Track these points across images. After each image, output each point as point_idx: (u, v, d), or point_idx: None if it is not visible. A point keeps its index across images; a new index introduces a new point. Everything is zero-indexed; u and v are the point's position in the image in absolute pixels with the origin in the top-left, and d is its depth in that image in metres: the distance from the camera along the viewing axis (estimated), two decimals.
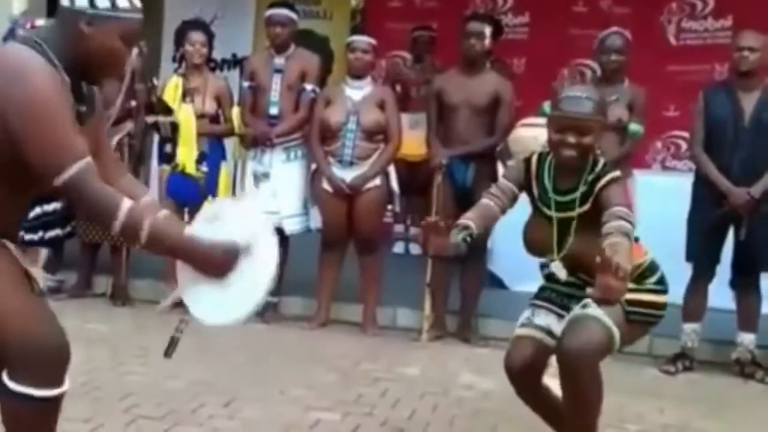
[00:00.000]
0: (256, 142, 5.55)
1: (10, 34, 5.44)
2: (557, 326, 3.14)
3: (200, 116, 5.61)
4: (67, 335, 2.42)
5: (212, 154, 5.66)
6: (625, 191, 3.10)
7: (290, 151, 5.59)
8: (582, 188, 3.01)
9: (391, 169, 5.53)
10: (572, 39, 7.45)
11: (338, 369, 4.61)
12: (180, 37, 5.79)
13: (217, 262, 2.38)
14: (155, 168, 6.06)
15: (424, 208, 5.80)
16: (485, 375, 4.66)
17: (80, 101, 2.39)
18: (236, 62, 8.20)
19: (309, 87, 5.56)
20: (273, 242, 2.44)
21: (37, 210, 5.52)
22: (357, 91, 5.44)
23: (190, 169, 5.59)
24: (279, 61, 5.59)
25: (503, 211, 3.18)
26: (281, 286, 5.69)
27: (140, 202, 2.38)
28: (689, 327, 5.01)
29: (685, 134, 5.92)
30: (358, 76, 5.46)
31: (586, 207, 3.01)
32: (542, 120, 4.99)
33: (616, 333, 2.99)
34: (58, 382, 2.39)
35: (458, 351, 5.21)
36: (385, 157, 5.41)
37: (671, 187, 5.76)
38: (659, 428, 4.00)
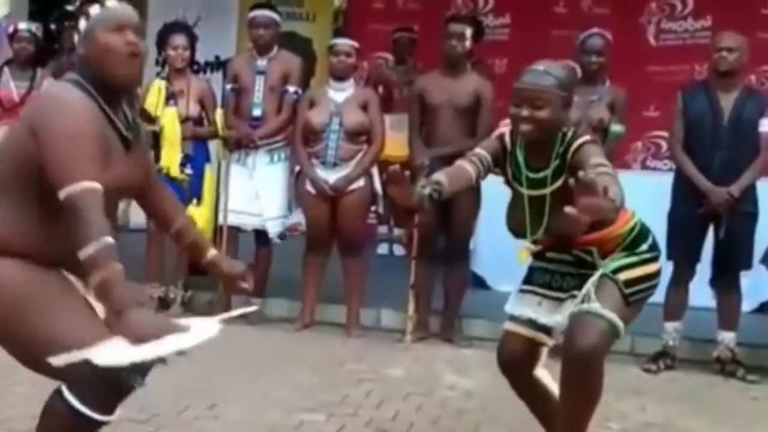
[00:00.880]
0: (239, 144, 5.56)
1: None
2: (546, 314, 3.12)
3: (184, 119, 5.61)
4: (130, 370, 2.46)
5: (196, 156, 5.67)
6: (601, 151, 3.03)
7: (274, 153, 5.60)
8: (553, 164, 2.97)
9: (375, 171, 5.55)
10: (553, 40, 7.48)
11: (322, 370, 4.62)
12: (162, 41, 5.78)
13: (140, 331, 2.36)
14: None
15: (406, 209, 5.81)
16: (469, 375, 4.69)
17: (127, 127, 2.49)
18: (219, 64, 8.20)
19: (292, 89, 5.58)
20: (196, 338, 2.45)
21: None
22: (340, 93, 5.45)
23: (174, 172, 5.58)
24: (261, 62, 5.60)
25: (477, 178, 3.10)
26: (265, 288, 5.72)
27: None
28: (670, 326, 5.05)
29: (666, 134, 5.96)
30: (340, 78, 5.48)
31: (559, 183, 2.96)
32: None
33: (619, 323, 2.97)
34: (109, 409, 2.51)
35: (442, 352, 5.23)
36: (368, 158, 5.43)
37: (652, 187, 5.78)
38: (641, 426, 4.03)
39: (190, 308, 5.79)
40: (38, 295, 2.40)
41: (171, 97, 5.63)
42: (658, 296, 5.09)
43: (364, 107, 5.44)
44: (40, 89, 5.74)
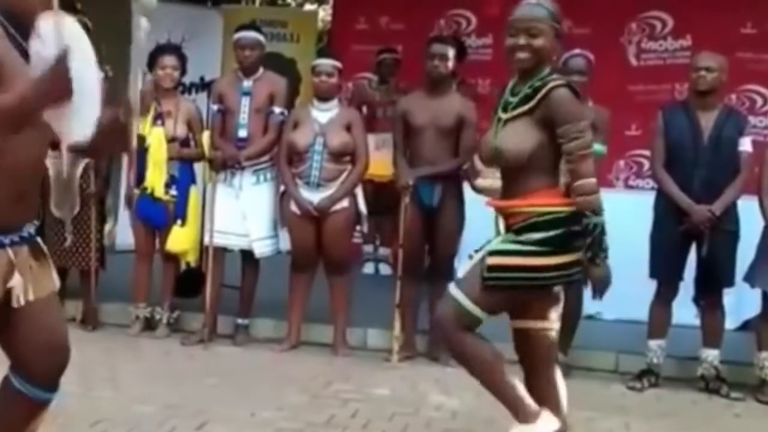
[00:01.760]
0: (225, 165, 5.58)
1: None
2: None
3: (171, 140, 5.63)
4: None
5: (182, 177, 5.68)
6: (575, 102, 3.18)
7: (260, 174, 5.61)
8: (526, 90, 3.13)
9: (359, 191, 5.58)
10: None
11: (309, 390, 4.63)
12: (152, 61, 5.79)
13: (54, 82, 2.37)
14: (123, 193, 6.07)
15: (392, 228, 5.85)
16: (454, 395, 4.70)
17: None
18: (204, 85, 8.22)
19: (278, 110, 5.60)
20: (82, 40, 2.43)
21: None
22: (324, 113, 5.48)
23: (159, 192, 5.60)
24: (247, 83, 5.62)
25: None
26: (252, 308, 5.73)
27: None
28: (654, 343, 5.08)
29: (647, 153, 6.02)
30: (324, 98, 5.51)
31: (524, 108, 3.12)
32: None
33: (467, 304, 3.19)
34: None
35: (428, 371, 5.24)
36: (352, 178, 5.46)
37: (635, 206, 5.84)
38: None
39: (176, 329, 5.80)
40: None
41: (158, 118, 5.65)
42: (642, 314, 5.18)
43: (348, 127, 5.47)
44: None
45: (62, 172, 5.66)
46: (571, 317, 5.22)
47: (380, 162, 6.01)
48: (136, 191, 5.70)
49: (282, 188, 5.61)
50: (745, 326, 5.78)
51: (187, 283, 5.75)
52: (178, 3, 8.15)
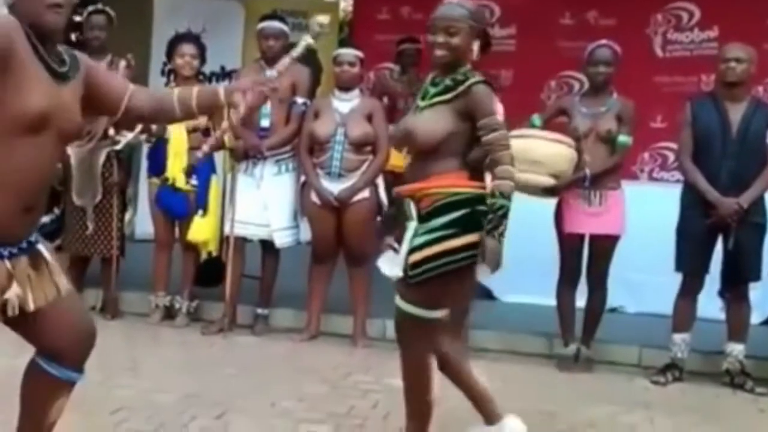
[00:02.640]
0: (246, 155, 5.56)
1: None
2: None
3: (192, 130, 5.61)
4: None
5: (202, 167, 5.65)
6: (493, 97, 3.36)
7: (281, 164, 5.59)
8: (447, 82, 3.30)
9: (380, 181, 5.54)
10: (559, 51, 7.50)
11: (329, 381, 4.60)
12: (171, 50, 5.79)
13: None
14: (144, 180, 6.07)
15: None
16: None
17: (59, 64, 2.59)
18: (225, 75, 8.20)
19: (300, 100, 5.57)
20: None
21: None
22: (345, 103, 5.45)
23: (180, 182, 5.58)
24: (270, 73, 5.58)
25: None
26: (271, 298, 5.72)
27: None
28: (679, 337, 5.02)
29: (673, 145, 5.95)
30: (345, 88, 5.48)
31: (443, 97, 3.28)
32: (533, 131, 5.04)
33: (412, 309, 3.31)
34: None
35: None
36: (373, 168, 5.42)
37: (659, 198, 5.79)
38: None
39: (196, 318, 5.80)
40: None
41: None
42: (666, 308, 5.12)
43: (369, 118, 5.44)
44: None
45: (85, 161, 5.67)
46: (595, 311, 5.19)
47: (400, 153, 5.96)
48: (156, 181, 5.69)
49: (303, 178, 5.58)
50: None
51: (207, 272, 5.73)
52: None
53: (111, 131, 5.68)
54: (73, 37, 6.50)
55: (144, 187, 6.19)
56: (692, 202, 4.95)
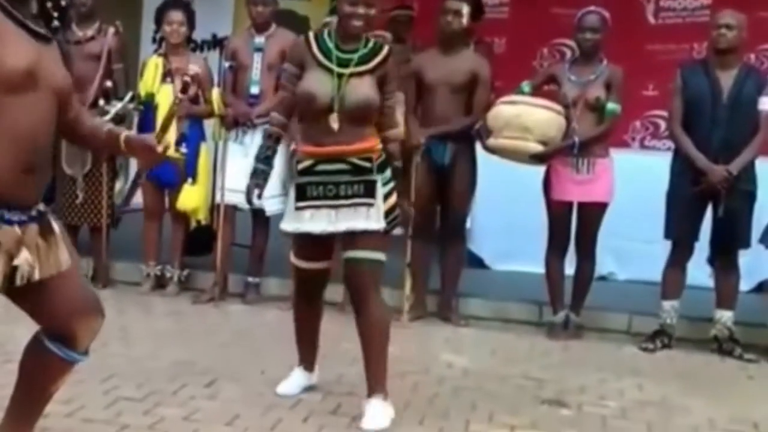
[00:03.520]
0: (236, 123, 5.53)
1: None
2: (330, 223, 3.58)
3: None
4: None
5: (192, 135, 5.63)
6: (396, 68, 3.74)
7: None
8: (362, 50, 3.57)
9: None
10: (552, 18, 7.45)
11: (319, 349, 4.61)
12: (159, 17, 5.75)
13: None
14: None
15: (403, 188, 5.80)
16: (465, 354, 4.69)
17: (37, 25, 2.60)
18: (216, 43, 8.15)
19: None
20: None
21: None
22: None
23: (170, 150, 5.54)
24: (259, 40, 5.57)
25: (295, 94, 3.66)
26: (262, 266, 5.72)
27: None
28: (668, 304, 5.04)
29: (664, 114, 5.93)
30: None
31: (362, 68, 3.55)
32: (522, 98, 5.04)
33: (381, 256, 3.61)
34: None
35: (439, 330, 5.23)
36: None
37: (650, 166, 5.79)
38: (638, 405, 4.03)
39: (187, 287, 5.80)
40: None
41: (168, 75, 5.60)
42: (655, 275, 5.14)
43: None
44: None
45: None
46: (583, 279, 5.20)
47: None
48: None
49: (293, 146, 5.55)
50: (760, 288, 5.75)
51: (198, 241, 5.74)
52: None
53: (101, 101, 5.65)
54: (62, 1, 6.43)
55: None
56: (682, 170, 4.95)
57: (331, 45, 3.60)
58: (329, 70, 3.56)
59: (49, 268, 2.60)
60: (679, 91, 4.99)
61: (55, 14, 2.79)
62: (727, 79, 4.89)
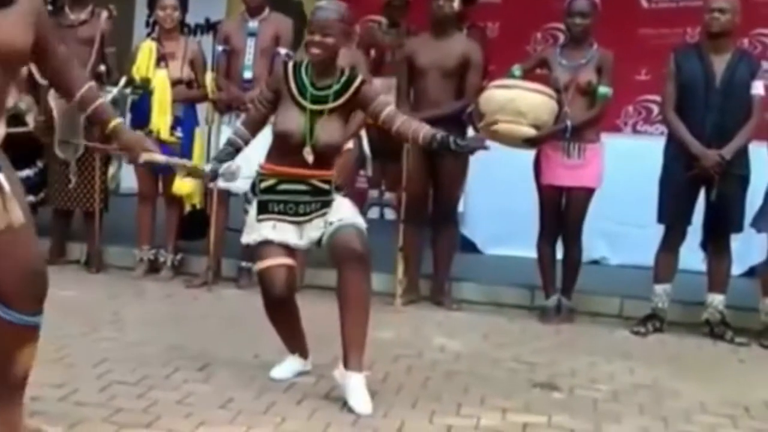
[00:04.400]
0: (229, 107, 5.53)
1: None
2: (295, 236, 3.70)
3: (175, 82, 5.58)
4: None
5: (186, 119, 5.64)
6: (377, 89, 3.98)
7: None
8: (336, 86, 3.64)
9: (363, 134, 5.52)
10: (545, 2, 7.43)
11: (312, 333, 4.58)
12: (153, 2, 5.74)
13: None
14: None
15: (396, 173, 5.81)
16: (458, 338, 4.70)
17: None
18: (209, 27, 8.13)
19: (283, 51, 5.54)
20: None
21: None
22: None
23: (165, 134, 5.56)
24: (253, 24, 5.56)
25: (266, 118, 3.77)
26: None
27: None
28: (660, 288, 5.06)
29: (657, 98, 5.95)
30: None
31: (339, 102, 3.63)
32: (515, 81, 5.03)
33: (362, 223, 3.73)
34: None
35: (431, 314, 5.25)
36: (356, 120, 5.37)
37: (643, 151, 5.80)
38: (630, 388, 4.05)
39: (180, 271, 5.81)
40: None
41: (162, 59, 5.59)
42: (647, 259, 5.16)
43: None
44: None
45: (67, 113, 5.64)
46: (572, 263, 5.21)
47: None
48: (140, 133, 5.66)
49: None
50: (751, 272, 5.76)
51: (192, 225, 5.74)
52: None
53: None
54: None
55: None
56: (675, 154, 4.96)
57: (307, 80, 3.65)
58: (303, 108, 3.62)
59: None
60: (672, 76, 4.99)
61: None
62: (720, 63, 4.89)
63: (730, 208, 4.94)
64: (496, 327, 5.05)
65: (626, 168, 5.66)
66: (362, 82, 3.69)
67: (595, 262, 6.32)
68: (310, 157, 3.61)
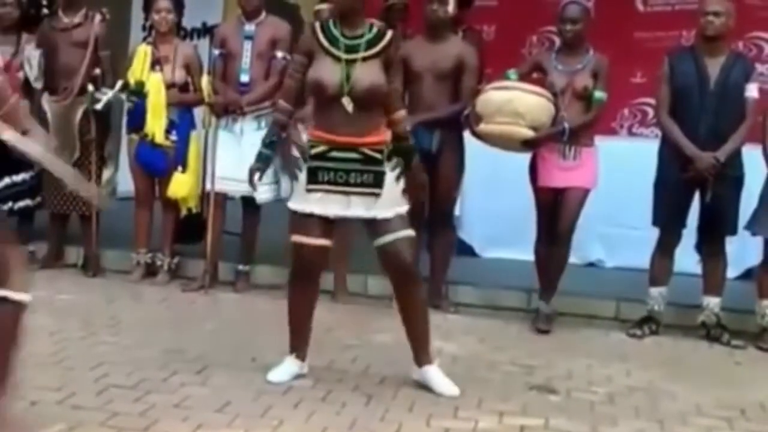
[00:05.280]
0: (226, 111, 5.54)
1: None
2: (341, 207, 3.74)
3: (169, 85, 5.58)
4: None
5: (181, 123, 5.64)
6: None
7: (261, 119, 5.56)
8: (368, 35, 3.70)
9: None
10: (541, 6, 7.44)
11: (311, 337, 4.62)
12: (148, 5, 5.75)
13: None
14: (125, 137, 6.05)
15: None
16: (455, 341, 4.71)
17: None
18: (206, 30, 8.13)
19: (280, 54, 5.54)
20: None
21: (6, 180, 5.47)
22: None
23: (159, 138, 5.56)
24: (249, 28, 5.56)
25: (303, 84, 3.81)
26: (253, 255, 5.73)
27: None
28: (656, 291, 5.07)
29: (652, 101, 5.93)
30: None
31: (373, 51, 3.68)
32: (513, 83, 5.04)
33: (412, 233, 3.83)
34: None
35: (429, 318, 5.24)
36: None
37: (638, 154, 5.81)
38: (626, 390, 4.06)
39: (177, 275, 5.81)
40: None
41: (156, 63, 5.60)
42: (643, 262, 5.17)
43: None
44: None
45: (62, 117, 5.65)
46: (558, 262, 5.17)
47: None
48: (135, 137, 5.68)
49: (283, 134, 5.55)
50: (747, 275, 5.78)
51: (188, 229, 5.74)
52: None
53: (90, 87, 5.65)
54: None
55: (125, 145, 6.17)
56: (670, 157, 4.97)
57: (337, 33, 3.70)
58: (337, 58, 3.67)
59: None
60: (666, 78, 5.00)
61: (44, 1, 2.83)
62: (714, 66, 4.90)
63: (725, 210, 4.95)
64: (493, 330, 5.06)
65: (622, 171, 5.67)
66: (393, 37, 3.74)
67: (591, 265, 6.33)
68: (349, 106, 3.63)
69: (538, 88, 4.97)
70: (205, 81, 5.64)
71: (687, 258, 5.14)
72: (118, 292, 5.46)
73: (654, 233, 5.09)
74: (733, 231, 5.03)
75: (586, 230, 5.24)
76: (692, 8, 6.54)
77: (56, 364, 3.91)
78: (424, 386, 3.91)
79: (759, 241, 5.03)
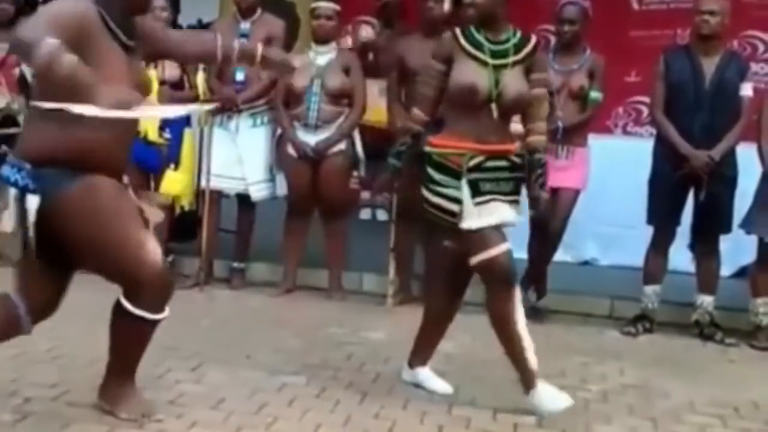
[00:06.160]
0: (222, 108, 5.53)
1: None
2: (510, 214, 3.62)
3: (161, 83, 5.58)
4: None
5: (175, 120, 5.62)
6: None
7: (256, 117, 5.58)
8: (513, 40, 3.59)
9: (357, 135, 5.54)
10: (536, 5, 7.45)
11: (304, 334, 4.64)
12: None
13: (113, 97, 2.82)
14: None
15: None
16: (449, 339, 4.68)
17: (129, 37, 3.05)
18: (202, 28, 8.10)
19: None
20: None
21: None
22: (322, 56, 5.45)
23: (153, 136, 5.55)
24: (245, 25, 5.57)
25: (441, 92, 3.62)
26: (248, 252, 5.73)
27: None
28: (650, 289, 5.09)
29: (647, 100, 5.97)
30: (323, 41, 5.47)
31: (521, 56, 3.57)
32: None
33: None
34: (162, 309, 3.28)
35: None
36: (349, 121, 5.43)
37: (632, 152, 5.82)
38: (620, 388, 4.07)
39: (171, 272, 5.80)
40: (119, 207, 3.15)
41: None
42: (638, 260, 5.19)
43: (347, 71, 5.44)
44: None
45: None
46: (543, 260, 5.18)
47: (383, 108, 5.94)
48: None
49: (279, 132, 5.57)
50: (741, 273, 5.80)
51: (183, 227, 5.73)
52: None
53: None
54: None
55: None
56: (664, 155, 4.99)
57: (480, 38, 3.56)
58: (483, 63, 3.53)
59: None
60: (661, 77, 5.02)
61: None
62: (709, 65, 4.92)
63: (719, 209, 4.96)
64: (486, 328, 5.01)
65: (616, 169, 5.69)
66: (538, 42, 3.64)
67: (586, 263, 6.35)
68: (495, 113, 3.50)
69: None
70: (200, 78, 5.64)
71: (681, 256, 5.17)
72: (113, 289, 5.43)
73: (648, 231, 5.11)
74: (727, 229, 5.04)
75: (580, 229, 5.27)
76: (687, 7, 6.54)
77: (52, 360, 3.91)
78: (418, 384, 3.92)
79: (753, 239, 5.05)
